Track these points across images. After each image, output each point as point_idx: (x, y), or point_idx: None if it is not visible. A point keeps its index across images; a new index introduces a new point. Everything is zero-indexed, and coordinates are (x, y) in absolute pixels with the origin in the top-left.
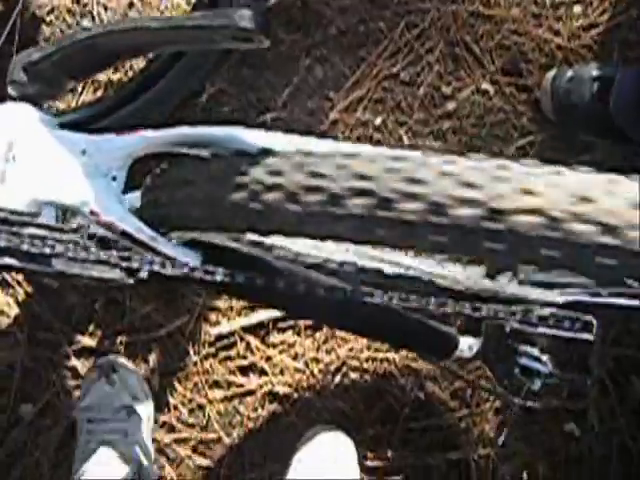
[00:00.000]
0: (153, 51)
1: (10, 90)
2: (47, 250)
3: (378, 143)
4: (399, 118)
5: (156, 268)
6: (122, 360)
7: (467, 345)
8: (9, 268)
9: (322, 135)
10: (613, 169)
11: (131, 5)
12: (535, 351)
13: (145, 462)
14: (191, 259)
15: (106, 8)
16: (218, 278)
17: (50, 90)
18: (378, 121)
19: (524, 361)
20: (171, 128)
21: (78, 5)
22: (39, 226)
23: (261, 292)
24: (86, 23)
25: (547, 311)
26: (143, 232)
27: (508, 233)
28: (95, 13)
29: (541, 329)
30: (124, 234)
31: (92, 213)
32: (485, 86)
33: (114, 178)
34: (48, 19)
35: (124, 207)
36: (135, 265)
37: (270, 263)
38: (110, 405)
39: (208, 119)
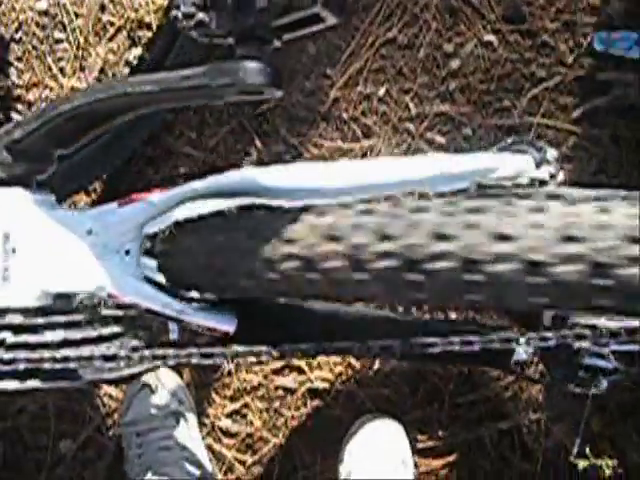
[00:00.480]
0: (148, 110)
1: None
2: (72, 365)
3: (384, 115)
4: (403, 85)
5: (194, 361)
6: (162, 368)
7: (523, 348)
8: (36, 390)
9: (324, 116)
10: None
11: (103, 8)
12: (595, 347)
13: (206, 464)
14: (226, 323)
15: (77, 15)
16: (264, 358)
17: (40, 165)
18: (381, 92)
19: (587, 361)
20: (178, 187)
21: (47, 17)
22: (56, 326)
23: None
24: (58, 34)
25: (617, 325)
26: (170, 307)
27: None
28: (66, 22)
29: (614, 347)
30: (149, 311)
31: (110, 296)
32: (488, 37)
33: (127, 252)
34: (17, 37)
35: (145, 283)
36: (171, 362)
37: (310, 310)
38: (157, 414)
39: (203, 120)
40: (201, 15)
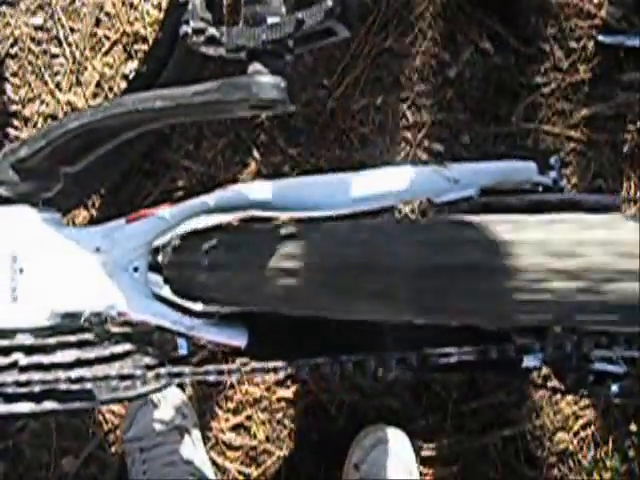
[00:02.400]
0: (157, 125)
1: (1, 192)
2: (88, 385)
3: (382, 124)
4: (400, 94)
5: (211, 378)
6: None
7: (531, 356)
8: (52, 413)
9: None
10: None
11: (98, 22)
12: (605, 352)
13: (212, 479)
14: (237, 338)
15: (72, 30)
16: (281, 374)
17: (46, 183)
18: (378, 101)
19: (597, 366)
20: (188, 201)
21: (42, 32)
22: (67, 346)
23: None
24: (54, 49)
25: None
26: (180, 323)
27: None
28: (62, 37)
29: (628, 352)
30: (159, 328)
31: (120, 314)
32: (484, 45)
33: (136, 269)
34: (12, 52)
35: (154, 300)
36: (187, 380)
37: (325, 322)
38: (161, 429)
39: (200, 132)
40: (212, 31)
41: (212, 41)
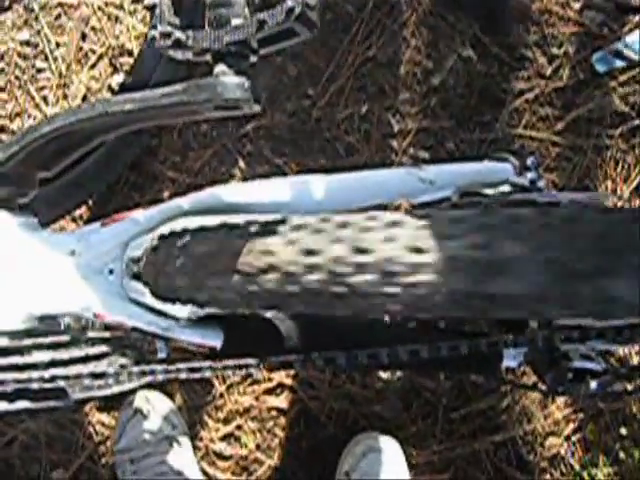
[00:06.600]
0: (129, 129)
1: None
2: (61, 384)
3: (367, 133)
4: (384, 102)
5: (183, 376)
6: (153, 392)
7: (511, 355)
8: (26, 412)
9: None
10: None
11: (84, 37)
12: (583, 348)
13: None
14: (212, 339)
15: (58, 45)
16: (253, 371)
17: (22, 188)
18: (363, 110)
19: (577, 363)
20: (162, 204)
21: (28, 47)
22: (43, 347)
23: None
24: (40, 64)
25: (603, 325)
26: (156, 324)
27: None
28: (48, 51)
29: (600, 346)
30: (135, 330)
31: (96, 316)
32: (467, 52)
33: (111, 271)
34: None
35: (129, 302)
36: (160, 378)
37: (298, 322)
38: (150, 439)
39: (187, 143)
40: (178, 34)
41: (179, 44)
